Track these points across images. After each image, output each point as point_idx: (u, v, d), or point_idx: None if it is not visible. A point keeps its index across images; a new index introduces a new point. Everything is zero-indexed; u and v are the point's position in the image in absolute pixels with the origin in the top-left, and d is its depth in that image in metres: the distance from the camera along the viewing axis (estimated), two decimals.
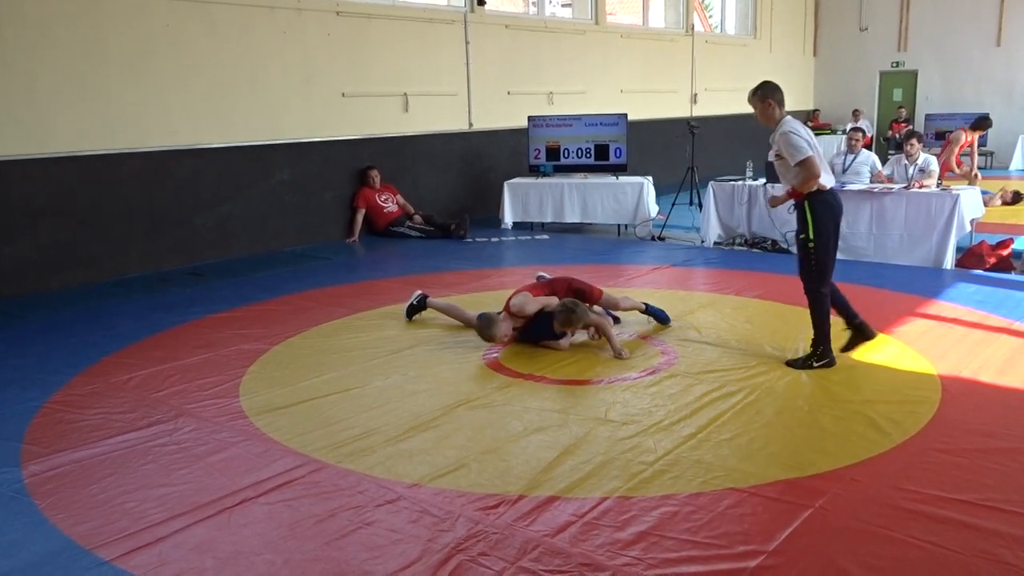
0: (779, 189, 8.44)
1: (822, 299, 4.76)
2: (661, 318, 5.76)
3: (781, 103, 4.74)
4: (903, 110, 17.88)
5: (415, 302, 6.04)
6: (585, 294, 5.54)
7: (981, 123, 10.29)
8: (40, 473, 3.67)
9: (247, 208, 8.81)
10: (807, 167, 4.54)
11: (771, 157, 4.83)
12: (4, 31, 6.93)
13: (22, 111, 7.10)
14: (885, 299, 6.35)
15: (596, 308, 5.60)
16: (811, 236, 4.66)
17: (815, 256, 4.69)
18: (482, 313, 5.43)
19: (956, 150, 10.20)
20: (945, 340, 5.30)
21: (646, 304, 5.80)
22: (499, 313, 5.41)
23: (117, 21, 7.61)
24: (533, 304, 5.32)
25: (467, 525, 3.13)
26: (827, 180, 4.70)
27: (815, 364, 4.76)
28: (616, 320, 5.76)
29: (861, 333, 4.92)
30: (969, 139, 10.24)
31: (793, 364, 4.81)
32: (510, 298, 5.45)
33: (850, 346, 4.96)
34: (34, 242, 7.27)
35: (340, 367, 5.04)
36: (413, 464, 3.68)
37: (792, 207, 4.87)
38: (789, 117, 4.73)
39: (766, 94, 4.73)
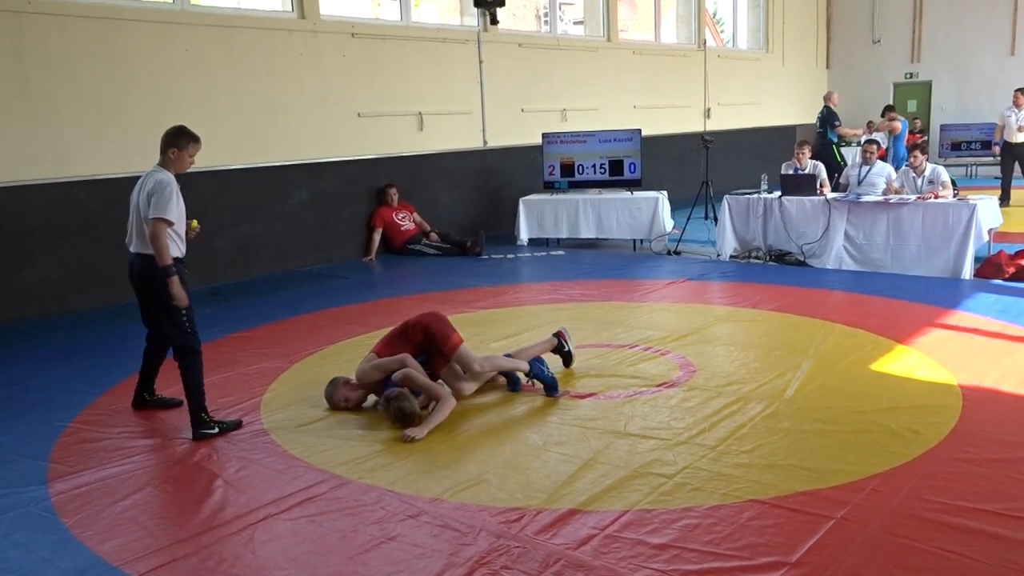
0: (792, 203, 8.53)
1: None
2: (549, 385, 4.75)
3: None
4: (918, 121, 17.82)
5: None
6: (437, 340, 4.66)
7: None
8: (66, 492, 3.72)
9: (265, 228, 8.90)
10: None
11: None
12: (28, 59, 7.08)
13: (45, 136, 7.23)
14: (903, 310, 6.32)
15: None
16: None
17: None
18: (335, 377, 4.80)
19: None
20: (965, 350, 5.27)
21: (531, 365, 4.81)
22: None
23: (138, 47, 7.75)
24: (373, 373, 4.61)
25: (489, 539, 3.14)
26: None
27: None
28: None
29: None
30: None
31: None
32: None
33: None
34: (57, 264, 7.37)
35: None
36: (434, 479, 3.71)
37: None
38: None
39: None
